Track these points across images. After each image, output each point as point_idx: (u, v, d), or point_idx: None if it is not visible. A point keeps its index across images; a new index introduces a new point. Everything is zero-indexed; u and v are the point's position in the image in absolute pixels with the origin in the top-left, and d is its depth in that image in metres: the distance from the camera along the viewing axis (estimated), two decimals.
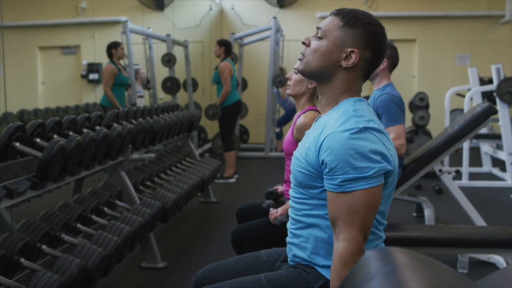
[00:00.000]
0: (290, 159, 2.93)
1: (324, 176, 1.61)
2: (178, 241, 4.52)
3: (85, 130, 3.38)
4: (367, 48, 1.67)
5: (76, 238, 3.05)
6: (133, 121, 4.19)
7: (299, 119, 2.81)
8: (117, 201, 3.71)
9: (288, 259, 1.83)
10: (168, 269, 3.82)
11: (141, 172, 4.43)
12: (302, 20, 10.77)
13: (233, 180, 7.12)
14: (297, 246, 1.77)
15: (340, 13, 1.70)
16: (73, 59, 10.54)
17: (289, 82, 2.97)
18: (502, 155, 7.03)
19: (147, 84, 8.23)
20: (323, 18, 9.17)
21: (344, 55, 1.67)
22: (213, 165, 5.65)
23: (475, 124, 3.80)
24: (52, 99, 9.15)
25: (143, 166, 4.60)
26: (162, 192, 4.02)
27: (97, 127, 3.58)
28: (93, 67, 10.16)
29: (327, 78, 1.71)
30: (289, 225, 1.83)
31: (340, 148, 1.55)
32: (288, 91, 2.98)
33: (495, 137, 7.18)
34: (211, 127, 9.84)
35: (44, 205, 3.83)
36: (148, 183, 4.46)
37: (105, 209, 3.52)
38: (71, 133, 3.22)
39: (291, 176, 1.80)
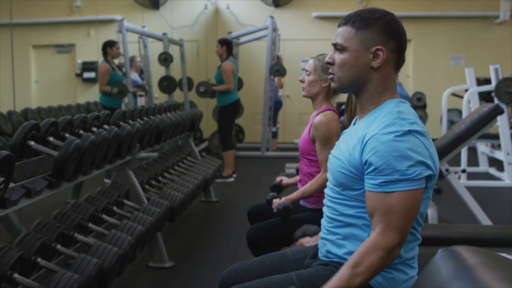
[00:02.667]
0: (306, 158, 2.94)
1: (365, 176, 1.62)
2: (182, 240, 4.51)
3: (94, 129, 3.37)
4: (388, 39, 1.68)
5: (88, 237, 3.04)
6: (138, 120, 4.18)
7: (318, 117, 2.82)
8: (125, 200, 3.69)
9: (320, 254, 1.83)
10: (175, 269, 3.81)
11: (146, 171, 4.42)
12: (298, 19, 10.79)
13: (231, 179, 7.11)
14: (333, 242, 1.77)
15: (349, 21, 1.72)
16: (68, 57, 10.48)
17: (303, 85, 2.98)
18: (499, 155, 7.08)
19: (142, 73, 8.21)
20: (319, 17, 9.21)
21: (371, 56, 1.68)
22: (215, 164, 5.65)
23: (482, 124, 3.83)
24: (46, 98, 9.09)
25: (147, 166, 4.58)
26: (169, 191, 4.02)
27: (105, 126, 3.57)
28: (88, 66, 10.10)
29: (363, 84, 1.72)
30: (324, 222, 1.83)
31: (384, 150, 1.56)
32: (303, 93, 2.99)
33: (490, 137, 7.23)
34: (207, 127, 9.82)
35: (43, 205, 3.80)
36: (153, 182, 4.44)
37: (114, 208, 3.50)
38: (81, 131, 3.21)
39: (329, 176, 1.80)
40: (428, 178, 1.59)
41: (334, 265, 1.75)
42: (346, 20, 1.72)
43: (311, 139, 2.87)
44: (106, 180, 6.57)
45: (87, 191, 5.27)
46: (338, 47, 1.72)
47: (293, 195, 2.87)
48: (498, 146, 7.75)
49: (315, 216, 2.86)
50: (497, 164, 7.48)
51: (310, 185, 2.83)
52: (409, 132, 1.58)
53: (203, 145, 9.27)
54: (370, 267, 1.54)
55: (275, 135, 9.64)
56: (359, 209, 1.69)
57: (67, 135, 2.98)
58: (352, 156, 1.67)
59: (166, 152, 5.33)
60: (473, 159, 7.75)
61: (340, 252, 1.75)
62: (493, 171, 7.36)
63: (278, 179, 3.28)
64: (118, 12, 9.68)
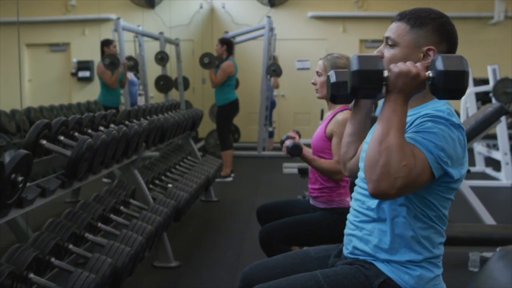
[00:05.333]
0: (319, 156, 2.93)
1: None
2: (186, 240, 4.49)
3: (101, 128, 3.36)
4: (441, 41, 1.69)
5: (97, 237, 3.03)
6: (142, 119, 4.16)
7: (341, 114, 2.83)
8: (131, 200, 3.68)
9: (346, 251, 1.83)
10: (181, 268, 3.80)
11: (150, 170, 4.41)
12: (293, 19, 10.78)
13: (230, 179, 7.10)
14: (360, 238, 1.77)
15: (404, 17, 1.72)
16: (62, 56, 10.43)
17: (316, 87, 2.99)
18: (496, 155, 7.12)
19: (137, 73, 8.20)
20: (314, 17, 9.18)
21: (421, 55, 1.69)
22: (215, 164, 5.64)
23: (487, 124, 3.85)
24: (40, 97, 9.04)
25: (151, 165, 4.58)
26: (175, 191, 4.01)
27: (112, 125, 3.55)
28: (83, 65, 10.05)
29: None
30: (350, 217, 1.83)
31: (429, 123, 1.58)
32: (317, 95, 2.99)
33: (487, 137, 7.26)
34: (203, 126, 9.80)
35: (44, 204, 3.79)
36: (157, 181, 4.44)
37: (121, 208, 3.49)
38: (89, 131, 3.19)
39: (361, 166, 1.80)
40: (445, 175, 1.59)
41: (360, 264, 1.75)
42: (401, 16, 1.73)
43: (328, 136, 2.87)
44: (105, 180, 6.55)
45: (86, 190, 5.28)
46: (389, 42, 1.73)
47: (307, 153, 2.89)
48: (494, 146, 7.81)
49: (326, 216, 2.87)
50: (494, 164, 7.53)
51: (323, 162, 2.84)
52: (452, 124, 1.59)
53: (199, 145, 9.25)
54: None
55: (271, 135, 9.64)
56: (389, 204, 1.69)
57: (76, 134, 2.97)
58: None
59: (168, 151, 5.31)
60: (469, 159, 7.79)
61: (367, 248, 1.75)
62: (489, 171, 7.42)
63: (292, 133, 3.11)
64: (114, 11, 9.65)
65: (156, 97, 9.17)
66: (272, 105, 9.65)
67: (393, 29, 1.73)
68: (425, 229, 1.69)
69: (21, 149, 2.13)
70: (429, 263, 1.71)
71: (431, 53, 1.67)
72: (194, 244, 4.38)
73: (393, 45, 1.72)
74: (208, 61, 7.06)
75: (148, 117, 4.25)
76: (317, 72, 3.00)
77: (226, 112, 7.07)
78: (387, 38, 1.74)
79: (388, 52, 1.73)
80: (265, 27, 8.97)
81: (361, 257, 1.77)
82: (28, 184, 2.35)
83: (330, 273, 1.77)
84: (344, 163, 2.00)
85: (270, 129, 9.53)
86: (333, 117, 2.88)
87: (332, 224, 2.85)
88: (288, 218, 2.92)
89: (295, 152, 2.84)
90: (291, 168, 7.54)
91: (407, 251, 1.69)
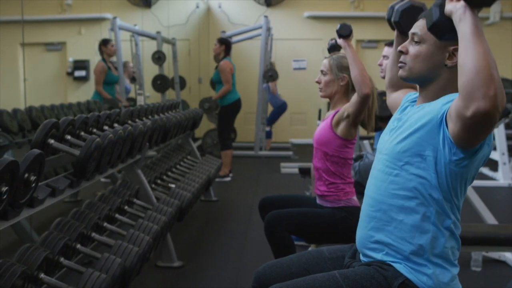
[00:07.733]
0: (322, 151, 2.93)
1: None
2: (188, 240, 4.49)
3: (106, 128, 3.34)
4: None
5: (103, 237, 3.02)
6: (144, 119, 4.15)
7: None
8: (135, 200, 3.67)
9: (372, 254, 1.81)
10: (184, 268, 3.80)
11: (152, 170, 4.40)
12: (290, 19, 10.79)
13: (228, 178, 7.09)
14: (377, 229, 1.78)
15: None
16: (58, 56, 10.39)
17: (319, 86, 2.99)
18: (493, 154, 7.15)
19: (133, 78, 8.18)
20: (311, 17, 9.14)
21: (447, 54, 1.68)
22: (216, 163, 5.64)
23: None
24: (35, 97, 8.99)
25: (152, 165, 4.56)
26: (178, 190, 4.00)
27: (116, 125, 3.54)
28: (79, 64, 10.02)
29: (432, 79, 1.72)
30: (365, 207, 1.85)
31: None
32: (321, 94, 3.01)
33: None
34: (200, 126, 9.78)
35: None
36: (159, 181, 4.43)
37: (126, 207, 3.48)
38: (95, 130, 3.18)
39: (381, 155, 1.81)
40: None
41: (377, 265, 1.75)
42: None
43: (333, 126, 2.86)
44: (103, 180, 6.52)
45: (84, 190, 5.24)
46: (415, 39, 1.73)
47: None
48: None
49: (334, 212, 2.87)
50: (491, 164, 7.55)
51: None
52: None
53: (196, 144, 9.22)
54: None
55: (269, 135, 9.64)
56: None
57: (82, 133, 2.96)
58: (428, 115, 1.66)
59: (168, 151, 5.30)
60: None
61: (387, 239, 1.75)
62: (486, 171, 7.44)
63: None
64: (110, 11, 9.63)
65: (152, 96, 9.15)
66: (283, 107, 9.65)
67: (420, 26, 1.73)
68: (446, 222, 1.69)
69: (34, 149, 2.12)
70: (447, 262, 1.71)
71: (457, 53, 1.64)
72: (196, 244, 4.37)
73: (419, 42, 1.72)
74: (208, 106, 7.08)
75: (150, 117, 4.24)
76: (321, 71, 3.00)
77: (228, 112, 7.05)
78: (413, 34, 1.74)
79: (413, 49, 1.73)
80: (262, 27, 8.96)
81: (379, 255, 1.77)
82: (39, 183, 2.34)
83: (349, 274, 1.77)
84: (391, 86, 2.10)
85: (268, 129, 9.54)
86: (337, 112, 2.89)
87: (339, 220, 2.85)
88: (297, 208, 2.94)
89: (344, 30, 2.80)
90: (289, 168, 7.55)
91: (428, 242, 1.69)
